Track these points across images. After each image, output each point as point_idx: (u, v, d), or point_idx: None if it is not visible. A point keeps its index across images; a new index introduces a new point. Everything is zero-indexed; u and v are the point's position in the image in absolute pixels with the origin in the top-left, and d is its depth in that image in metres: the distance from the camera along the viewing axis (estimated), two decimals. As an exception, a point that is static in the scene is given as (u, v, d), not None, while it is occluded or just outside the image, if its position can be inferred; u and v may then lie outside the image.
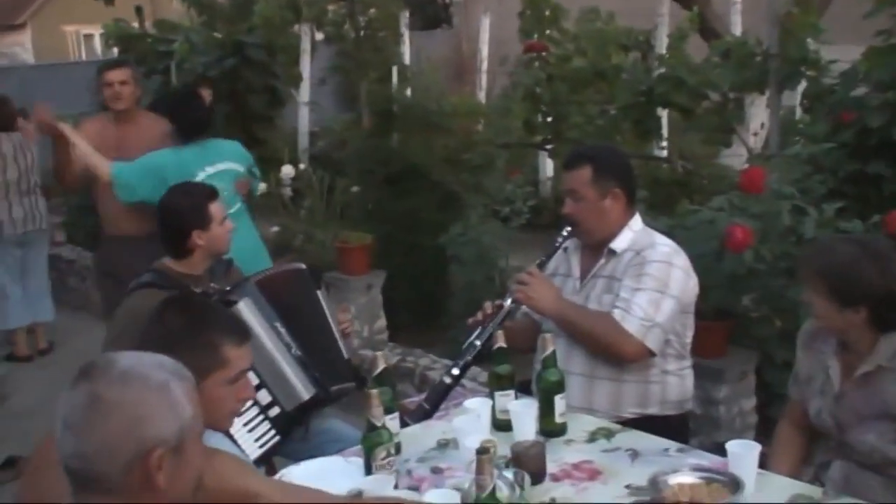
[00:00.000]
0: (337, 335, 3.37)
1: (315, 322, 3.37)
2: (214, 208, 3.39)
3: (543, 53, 5.75)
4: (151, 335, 2.15)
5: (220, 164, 4.44)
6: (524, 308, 3.12)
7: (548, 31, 6.15)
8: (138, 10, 9.69)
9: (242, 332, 2.23)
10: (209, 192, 3.45)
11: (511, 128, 6.70)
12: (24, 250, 6.11)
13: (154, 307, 2.20)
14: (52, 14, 23.68)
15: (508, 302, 3.01)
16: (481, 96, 9.76)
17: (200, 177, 4.32)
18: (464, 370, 2.96)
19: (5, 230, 5.93)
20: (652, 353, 2.89)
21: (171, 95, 5.63)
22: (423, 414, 2.90)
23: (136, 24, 9.84)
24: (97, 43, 21.65)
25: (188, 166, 4.35)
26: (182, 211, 3.39)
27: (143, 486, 1.56)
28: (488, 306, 3.03)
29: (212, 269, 3.42)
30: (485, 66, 10.06)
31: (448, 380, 2.93)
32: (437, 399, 2.93)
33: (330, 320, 3.38)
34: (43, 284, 6.24)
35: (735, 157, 5.84)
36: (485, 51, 10.10)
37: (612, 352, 2.90)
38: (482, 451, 1.95)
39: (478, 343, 2.95)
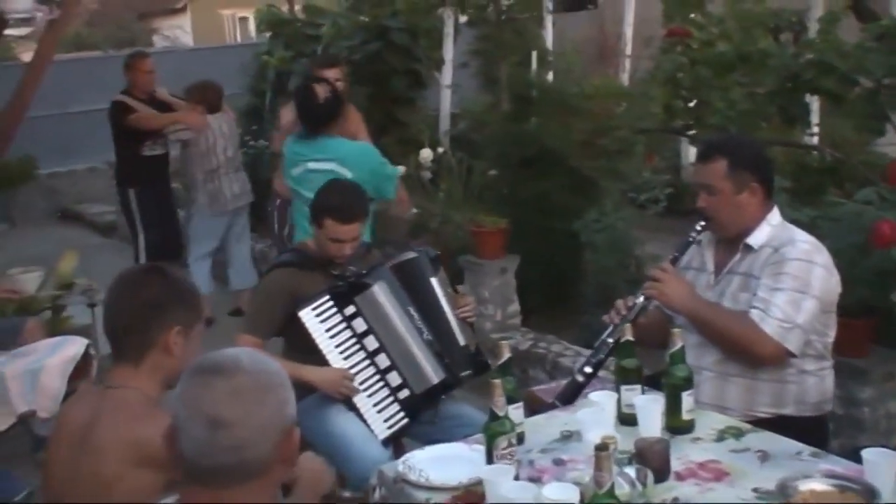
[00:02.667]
0: (452, 322, 3.40)
1: (436, 309, 3.41)
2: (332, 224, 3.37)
3: (686, 38, 5.59)
4: (139, 297, 2.22)
5: (325, 163, 4.42)
6: (656, 302, 3.08)
7: (691, 15, 5.98)
8: (290, -5, 9.98)
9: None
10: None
11: (651, 112, 6.57)
12: (233, 222, 6.54)
13: (129, 276, 2.30)
14: (210, -2, 24.57)
15: (641, 298, 2.98)
16: (624, 79, 9.59)
17: (301, 169, 4.45)
18: (596, 368, 2.95)
19: (229, 205, 6.36)
20: (792, 355, 2.80)
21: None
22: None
23: (286, 9, 10.13)
24: (252, 25, 22.39)
25: (295, 157, 4.51)
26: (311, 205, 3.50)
27: (281, 462, 1.67)
28: (620, 304, 3.00)
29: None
30: (628, 48, 9.87)
31: (580, 378, 2.93)
32: (568, 397, 2.93)
33: (446, 308, 3.41)
34: (247, 252, 6.70)
35: (891, 147, 5.55)
36: (629, 33, 9.90)
37: (749, 353, 2.83)
38: (601, 448, 1.94)
39: (610, 340, 2.94)
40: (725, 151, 2.96)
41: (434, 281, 3.43)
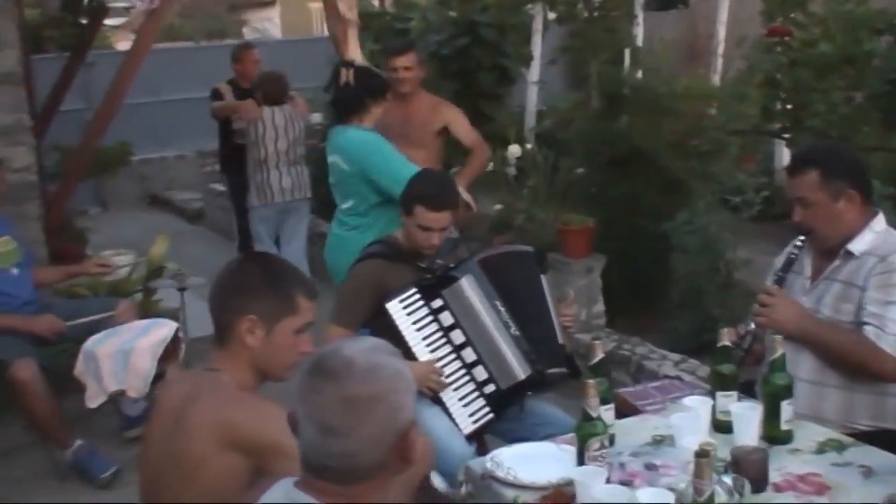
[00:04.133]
0: (555, 322, 3.36)
1: (535, 305, 3.37)
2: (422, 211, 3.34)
3: (786, 38, 5.45)
4: (229, 280, 2.21)
5: (332, 155, 4.40)
6: None
7: (792, 14, 5.82)
8: (380, -11, 10.02)
9: (314, 289, 2.29)
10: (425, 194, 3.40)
11: (745, 114, 6.41)
12: (285, 217, 6.45)
13: (232, 261, 2.29)
14: (299, -9, 24.87)
15: (752, 325, 2.90)
16: (715, 79, 9.40)
17: (330, 160, 4.41)
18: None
19: (276, 198, 6.30)
20: None
21: None
22: None
23: (376, 3, 10.18)
24: (338, 19, 22.57)
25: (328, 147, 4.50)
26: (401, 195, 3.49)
27: (399, 460, 1.65)
28: (731, 332, 2.86)
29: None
30: (721, 48, 9.67)
31: None
32: None
33: (550, 306, 3.37)
34: (300, 252, 6.47)
35: None
36: (721, 32, 9.70)
37: (868, 371, 2.73)
38: (702, 455, 1.88)
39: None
40: (816, 162, 2.86)
41: (544, 279, 3.39)
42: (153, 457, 2.17)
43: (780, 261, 2.98)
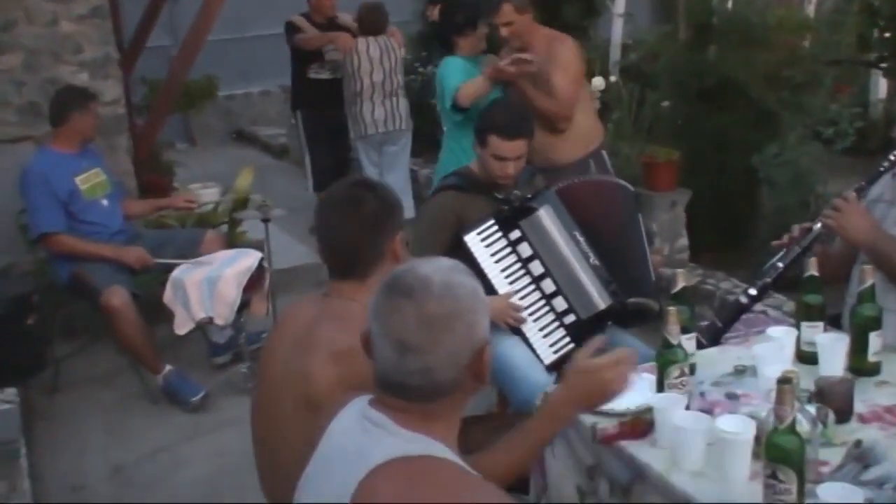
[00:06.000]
0: (649, 256, 3.32)
1: (625, 237, 3.33)
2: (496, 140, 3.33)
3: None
4: (366, 214, 2.19)
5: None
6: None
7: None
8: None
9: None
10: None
11: (841, 43, 6.17)
12: (384, 148, 6.47)
13: (338, 196, 2.27)
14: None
15: (818, 226, 2.81)
16: (810, 9, 9.06)
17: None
18: (762, 291, 2.81)
19: (368, 129, 6.33)
20: None
21: None
22: (714, 332, 2.81)
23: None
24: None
25: None
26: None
27: (473, 379, 1.66)
28: (796, 229, 2.84)
29: (516, 178, 3.44)
30: (817, -24, 9.30)
31: (744, 299, 2.80)
32: (730, 317, 2.83)
33: (644, 239, 3.33)
34: (402, 181, 6.48)
35: None
36: (819, -41, 9.33)
37: None
38: (784, 381, 1.84)
39: (780, 265, 2.79)
40: None
41: (638, 214, 3.39)
42: (273, 374, 2.18)
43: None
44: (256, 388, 2.33)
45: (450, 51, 4.65)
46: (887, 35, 5.36)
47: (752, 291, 2.79)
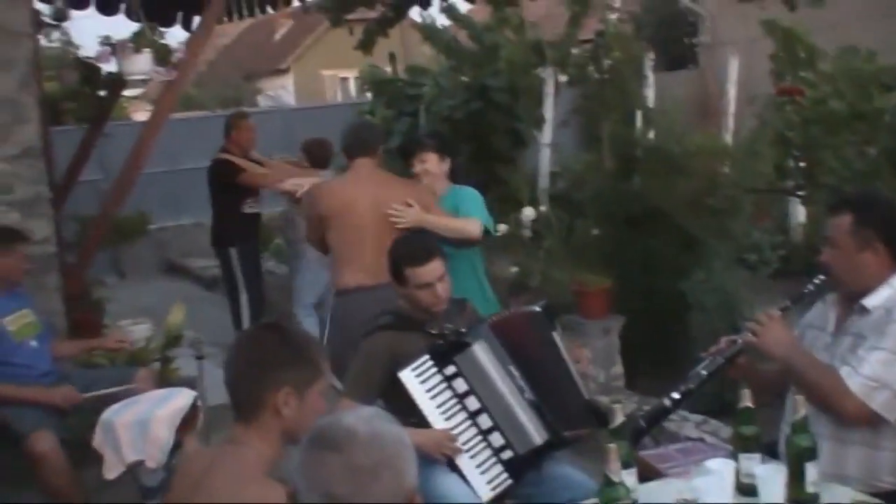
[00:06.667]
0: (576, 376, 3.34)
1: (551, 364, 3.35)
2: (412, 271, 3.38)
3: (797, 97, 5.49)
4: (254, 355, 2.19)
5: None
6: None
7: (802, 73, 5.87)
8: (391, 57, 10.17)
9: (323, 348, 2.30)
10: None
11: (759, 172, 6.43)
12: None
13: (247, 333, 2.29)
14: (313, 59, 25.32)
15: (740, 340, 2.90)
16: (727, 138, 9.45)
17: None
18: (684, 396, 2.88)
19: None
20: (879, 417, 2.67)
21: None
22: (637, 431, 2.83)
23: (388, 69, 10.33)
24: (352, 85, 22.91)
25: None
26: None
27: None
28: (723, 341, 2.93)
29: (446, 310, 3.46)
30: (732, 107, 9.74)
31: (667, 402, 2.87)
32: (652, 420, 2.88)
33: (568, 362, 3.35)
34: None
35: None
36: (732, 91, 9.77)
37: (832, 409, 2.73)
38: (726, 519, 1.85)
39: (704, 373, 2.89)
40: (853, 207, 2.87)
41: (556, 335, 3.37)
42: None
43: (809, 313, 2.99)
44: None
45: None
46: (802, 164, 5.62)
47: (675, 395, 2.86)
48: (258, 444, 2.14)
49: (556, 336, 3.37)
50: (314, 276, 6.53)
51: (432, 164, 4.48)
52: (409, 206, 4.24)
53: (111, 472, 4.24)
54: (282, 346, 2.18)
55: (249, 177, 6.44)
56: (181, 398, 4.33)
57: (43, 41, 7.55)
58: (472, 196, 4.51)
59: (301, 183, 6.31)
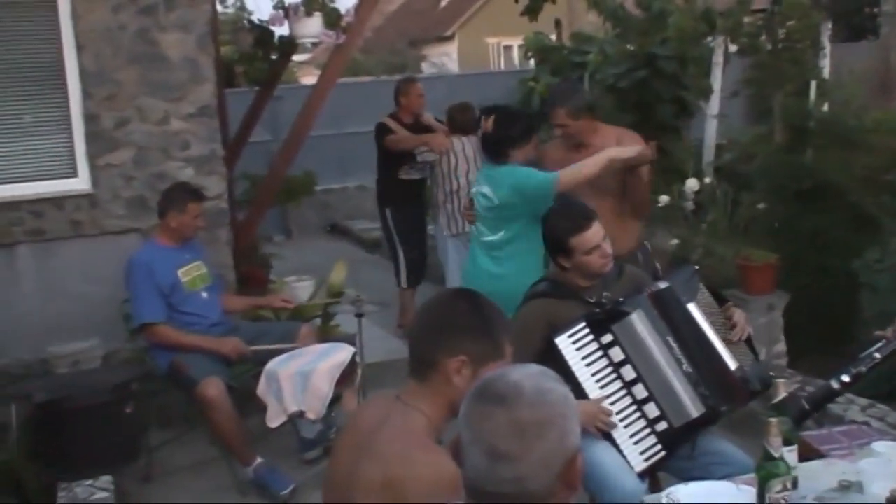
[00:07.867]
0: (719, 347, 3.24)
1: (695, 337, 3.27)
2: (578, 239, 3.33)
3: None
4: (440, 317, 2.16)
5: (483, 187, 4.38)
6: None
7: None
8: (557, 23, 10.06)
9: (513, 332, 2.25)
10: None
11: (944, 148, 6.07)
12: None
13: (442, 294, 2.25)
14: (477, 27, 25.35)
15: None
16: (910, 112, 8.93)
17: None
18: (855, 379, 2.76)
19: (466, 227, 6.36)
20: None
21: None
22: (801, 412, 2.73)
23: (553, 37, 10.23)
24: (515, 53, 22.86)
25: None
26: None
27: (565, 487, 1.63)
28: None
29: (605, 278, 3.42)
30: (916, 79, 9.20)
31: (836, 384, 2.76)
32: (819, 401, 2.77)
33: (707, 332, 3.26)
34: None
35: None
36: (917, 62, 9.24)
37: None
38: (894, 501, 1.77)
39: (877, 356, 2.75)
40: None
41: (692, 307, 3.28)
42: (338, 477, 2.18)
43: None
44: (323, 487, 2.30)
45: (499, 160, 4.35)
46: None
47: (845, 378, 2.75)
48: (427, 408, 2.12)
49: (692, 307, 3.28)
50: (445, 246, 6.58)
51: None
52: None
53: (274, 420, 4.43)
54: (470, 314, 2.14)
55: (390, 141, 6.59)
56: (342, 353, 4.47)
57: (219, 6, 7.83)
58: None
59: (427, 140, 6.42)
